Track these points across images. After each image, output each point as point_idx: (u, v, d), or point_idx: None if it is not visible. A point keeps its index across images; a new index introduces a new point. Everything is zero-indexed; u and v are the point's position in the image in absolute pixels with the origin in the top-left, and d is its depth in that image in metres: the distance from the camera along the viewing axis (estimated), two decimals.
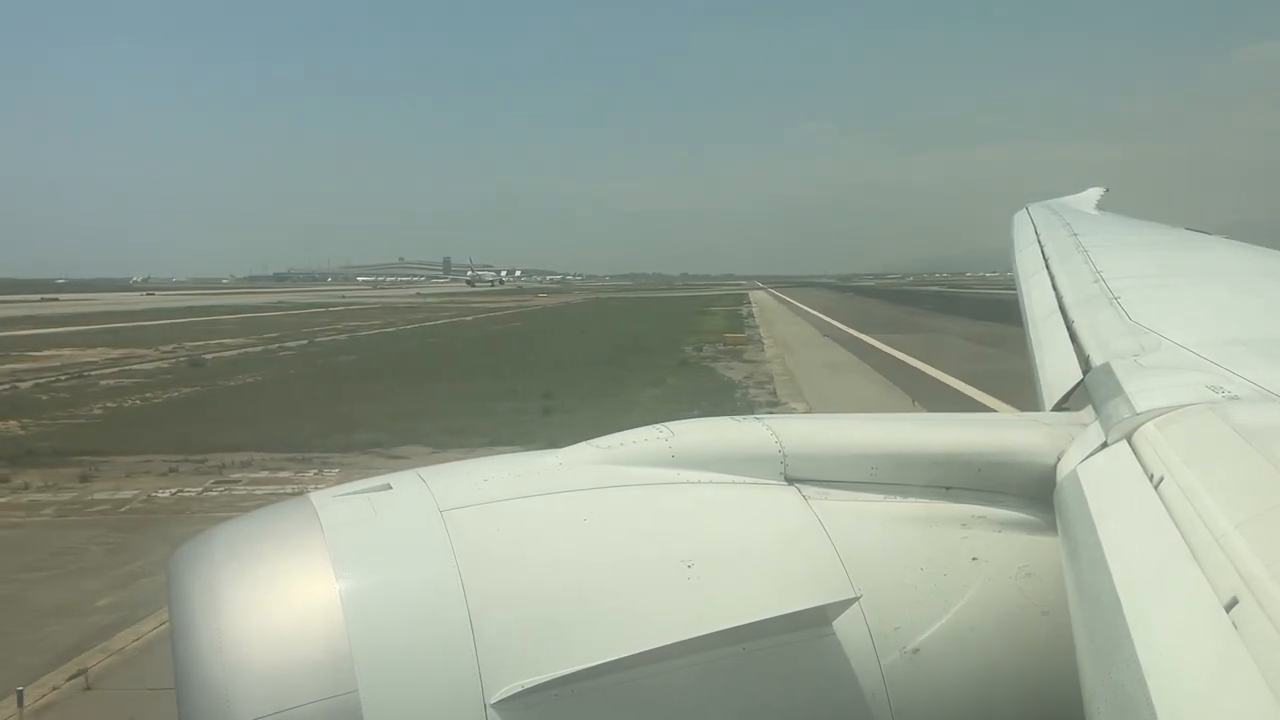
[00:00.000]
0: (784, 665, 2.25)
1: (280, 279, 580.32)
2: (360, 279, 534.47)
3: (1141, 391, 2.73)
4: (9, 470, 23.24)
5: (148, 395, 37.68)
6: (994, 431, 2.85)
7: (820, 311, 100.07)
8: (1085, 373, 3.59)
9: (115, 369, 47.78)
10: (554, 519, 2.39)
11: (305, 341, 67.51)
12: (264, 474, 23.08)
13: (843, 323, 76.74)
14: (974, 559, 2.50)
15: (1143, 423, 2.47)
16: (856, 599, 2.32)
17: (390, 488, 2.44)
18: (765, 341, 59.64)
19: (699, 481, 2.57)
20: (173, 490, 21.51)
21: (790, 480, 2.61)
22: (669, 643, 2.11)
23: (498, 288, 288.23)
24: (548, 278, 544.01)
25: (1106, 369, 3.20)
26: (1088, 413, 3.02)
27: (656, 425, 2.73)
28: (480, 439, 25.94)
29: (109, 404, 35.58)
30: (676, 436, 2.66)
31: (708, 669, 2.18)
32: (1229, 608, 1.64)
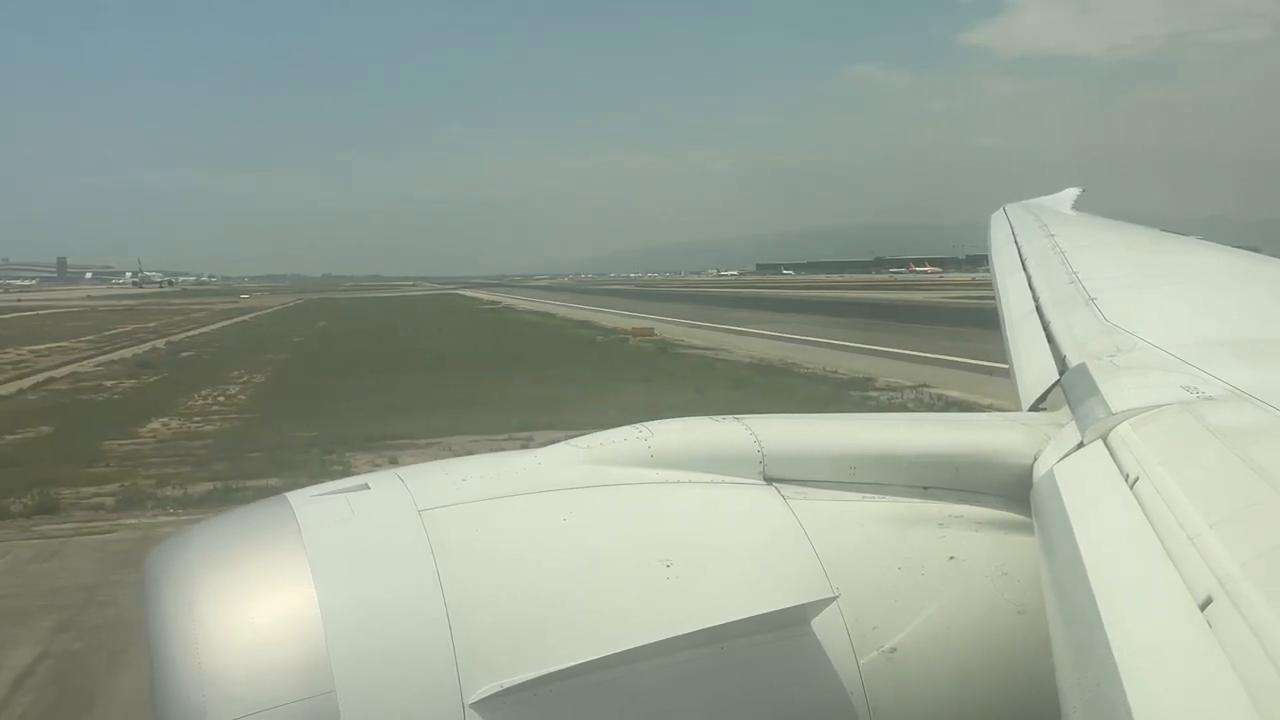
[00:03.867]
0: (762, 664, 2.28)
1: None
2: None
3: (1117, 392, 2.75)
4: (321, 460, 21.23)
5: (213, 391, 34.35)
6: (972, 431, 2.89)
7: (608, 308, 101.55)
8: (1061, 373, 3.61)
9: (83, 366, 42.19)
10: (532, 519, 2.40)
11: (163, 342, 60.95)
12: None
13: (673, 316, 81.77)
14: (951, 558, 2.53)
15: (1118, 423, 2.49)
16: (834, 598, 2.34)
17: (368, 487, 2.46)
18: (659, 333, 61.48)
19: (678, 481, 2.58)
20: None
21: (769, 480, 2.62)
22: (647, 642, 2.13)
23: (168, 289, 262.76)
24: (180, 279, 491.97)
25: (1082, 369, 3.22)
26: (1064, 413, 3.02)
27: (636, 425, 2.76)
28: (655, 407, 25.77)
29: (216, 396, 32.47)
30: (655, 436, 2.68)
31: (686, 668, 2.21)
32: (1204, 606, 1.64)
